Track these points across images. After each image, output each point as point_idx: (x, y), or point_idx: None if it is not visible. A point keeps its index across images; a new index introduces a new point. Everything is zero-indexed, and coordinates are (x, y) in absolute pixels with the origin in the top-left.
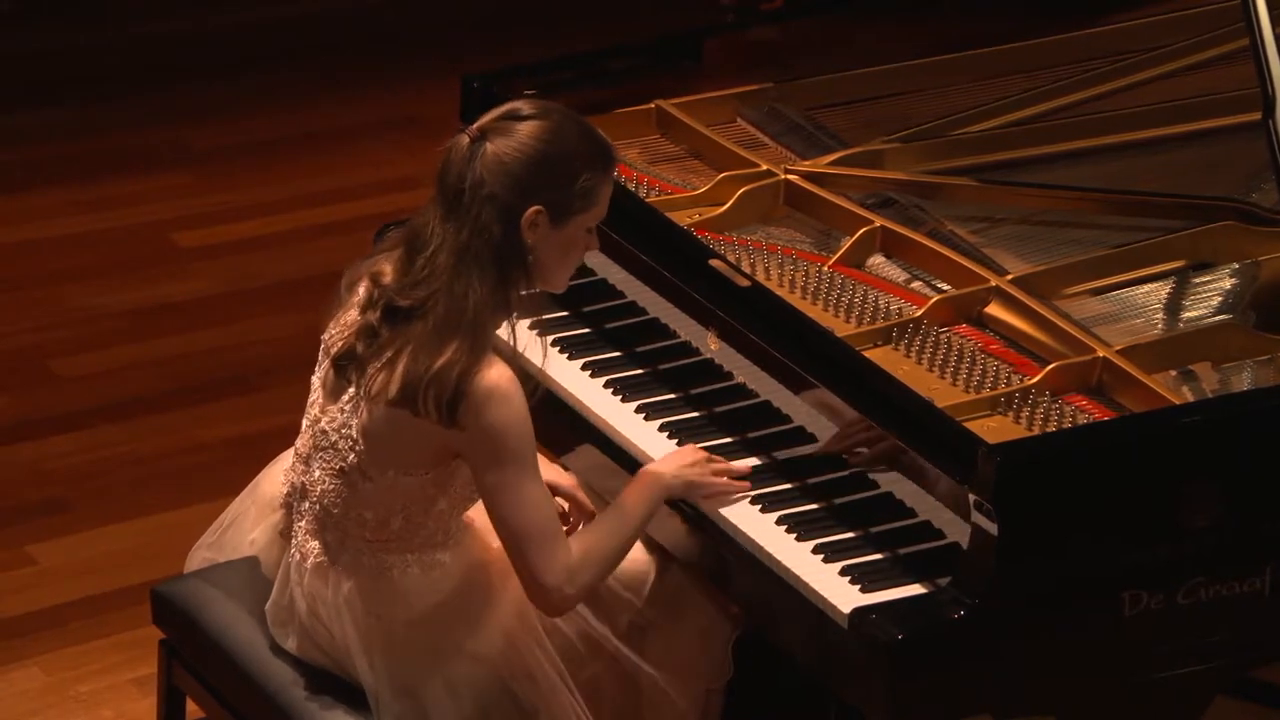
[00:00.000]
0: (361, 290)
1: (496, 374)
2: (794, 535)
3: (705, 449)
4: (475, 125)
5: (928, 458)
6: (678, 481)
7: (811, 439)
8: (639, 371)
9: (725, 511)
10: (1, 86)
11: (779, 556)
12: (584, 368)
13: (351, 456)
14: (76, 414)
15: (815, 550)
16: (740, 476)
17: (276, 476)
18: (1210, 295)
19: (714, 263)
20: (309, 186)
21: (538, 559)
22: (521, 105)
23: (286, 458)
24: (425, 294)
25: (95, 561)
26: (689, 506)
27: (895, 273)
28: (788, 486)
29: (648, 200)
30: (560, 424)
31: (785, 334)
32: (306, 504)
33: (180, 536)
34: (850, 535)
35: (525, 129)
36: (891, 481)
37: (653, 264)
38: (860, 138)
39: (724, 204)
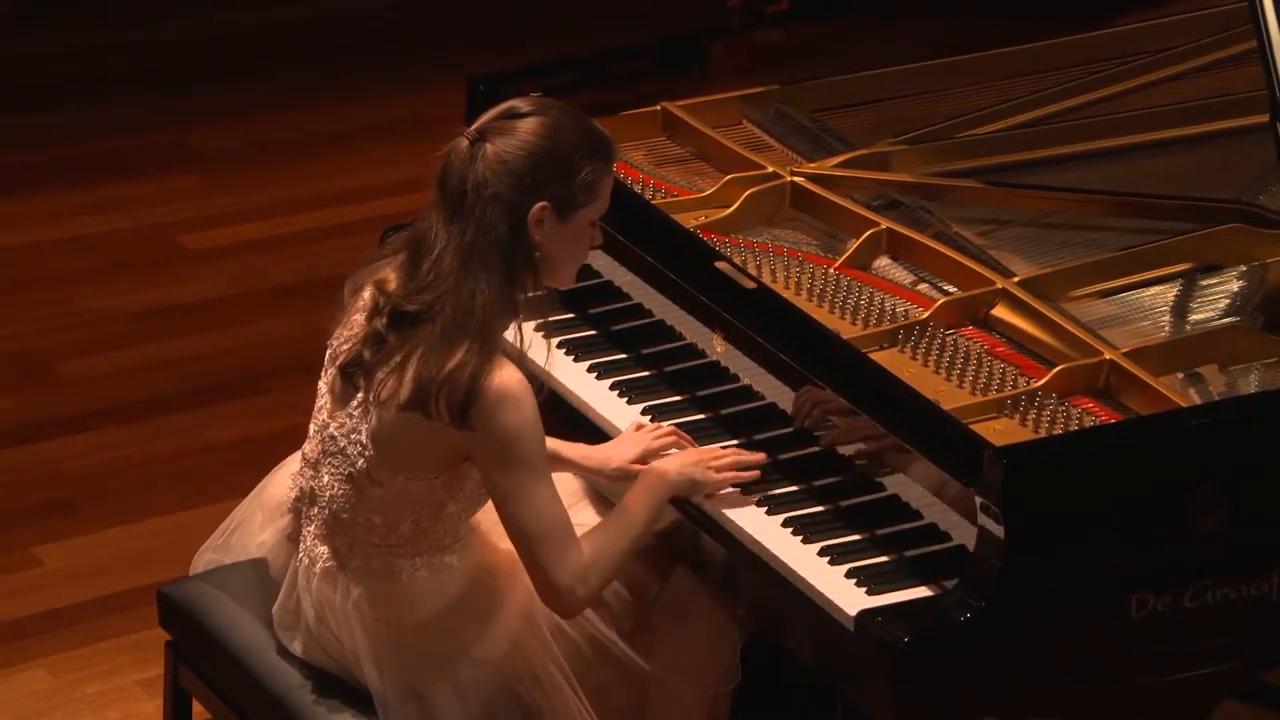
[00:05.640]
0: (366, 296)
1: (507, 375)
2: (800, 538)
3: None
4: (473, 127)
5: (934, 460)
6: (681, 479)
7: (817, 442)
8: (645, 373)
9: (731, 514)
10: (6, 89)
11: (785, 559)
12: (590, 369)
13: (361, 462)
14: (83, 416)
15: (821, 553)
16: (751, 466)
17: (283, 480)
18: (1217, 298)
19: (720, 265)
20: (315, 188)
21: (551, 560)
22: (518, 103)
23: (293, 461)
24: (432, 298)
25: (102, 563)
26: (694, 509)
27: (901, 275)
28: (793, 489)
29: (653, 202)
30: (566, 426)
31: (791, 336)
32: (315, 509)
33: (187, 538)
34: (856, 538)
35: (525, 126)
36: (898, 484)
37: (659, 266)
38: (866, 140)
39: (730, 206)
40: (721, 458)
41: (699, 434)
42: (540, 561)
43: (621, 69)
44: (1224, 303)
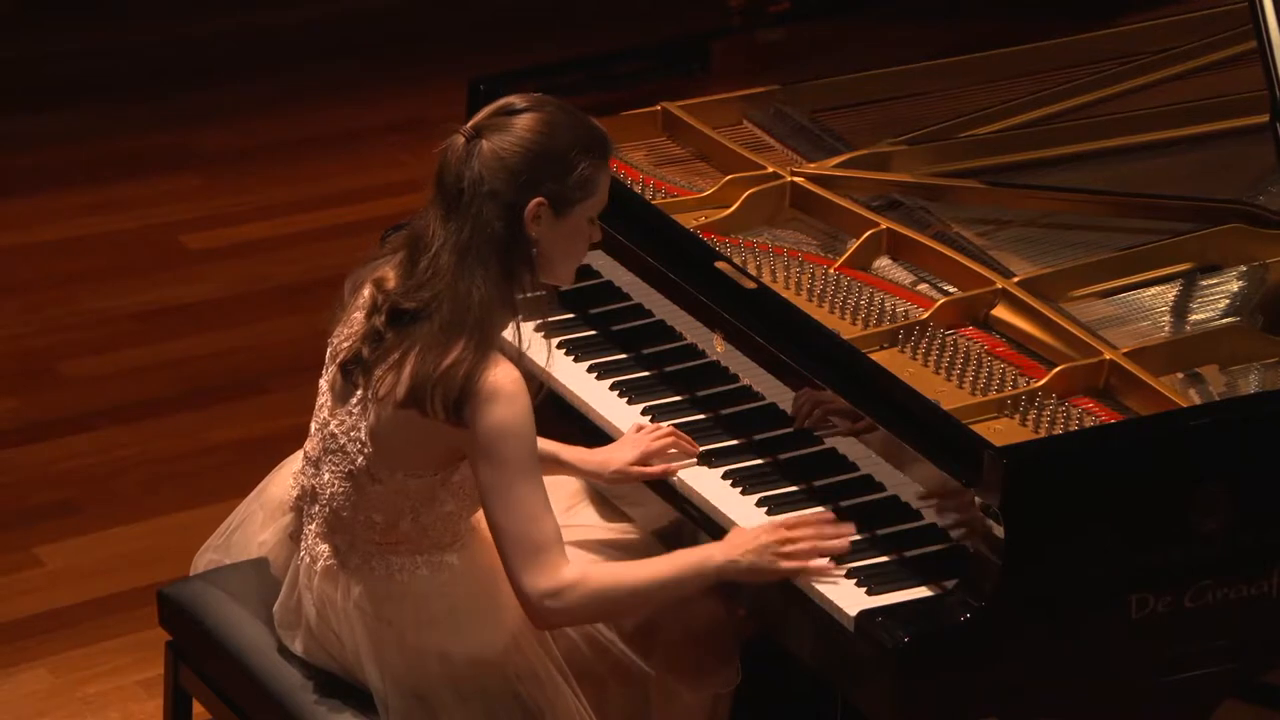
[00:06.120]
0: (366, 294)
1: (502, 373)
2: None
3: (713, 451)
4: (469, 124)
5: (934, 460)
6: (733, 568)
7: (817, 442)
8: (645, 374)
9: (730, 513)
10: (10, 90)
11: None
12: (590, 370)
13: (360, 459)
14: (85, 416)
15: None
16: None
17: (284, 479)
18: (1217, 298)
19: (720, 265)
20: (317, 189)
21: (520, 565)
22: (514, 100)
23: (294, 460)
24: (429, 295)
25: (103, 563)
26: (693, 508)
27: (901, 275)
28: (793, 489)
29: (654, 202)
30: (566, 426)
31: (791, 336)
32: (316, 507)
33: (189, 538)
34: (856, 538)
35: (521, 123)
36: (898, 484)
37: (659, 266)
38: (866, 140)
39: (730, 206)
40: (796, 535)
41: (699, 434)
42: (511, 564)
43: (623, 70)
44: (1224, 303)
